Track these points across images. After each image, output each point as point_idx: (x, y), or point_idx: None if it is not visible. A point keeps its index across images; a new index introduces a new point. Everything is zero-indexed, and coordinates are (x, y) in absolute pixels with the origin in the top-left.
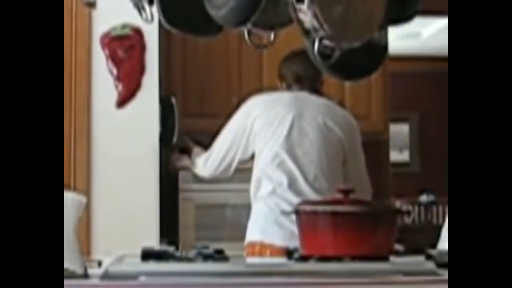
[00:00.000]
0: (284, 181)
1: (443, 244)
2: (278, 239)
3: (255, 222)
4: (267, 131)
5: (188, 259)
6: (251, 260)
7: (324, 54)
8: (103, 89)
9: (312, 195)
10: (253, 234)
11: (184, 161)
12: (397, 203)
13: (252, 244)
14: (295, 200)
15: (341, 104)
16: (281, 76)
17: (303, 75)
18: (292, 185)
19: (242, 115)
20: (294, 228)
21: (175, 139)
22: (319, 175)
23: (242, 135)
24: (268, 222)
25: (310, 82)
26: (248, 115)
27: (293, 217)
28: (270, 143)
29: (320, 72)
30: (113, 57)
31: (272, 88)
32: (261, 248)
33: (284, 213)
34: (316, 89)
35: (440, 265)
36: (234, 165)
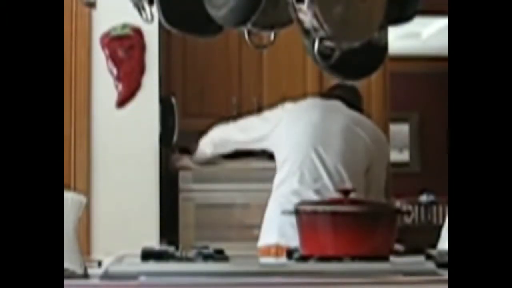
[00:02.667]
0: (309, 179)
1: (443, 244)
2: (294, 241)
3: (271, 223)
4: (293, 133)
5: (188, 259)
6: (251, 260)
7: (324, 54)
8: (103, 89)
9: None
10: (270, 236)
11: (184, 161)
12: (397, 203)
13: (268, 247)
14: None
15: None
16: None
17: (344, 97)
18: (315, 184)
19: (270, 117)
20: None
21: (175, 139)
22: (344, 177)
23: (264, 129)
24: (285, 223)
25: (351, 102)
26: (277, 121)
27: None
28: (297, 142)
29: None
30: (113, 57)
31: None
32: (277, 251)
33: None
34: (356, 107)
35: (440, 265)
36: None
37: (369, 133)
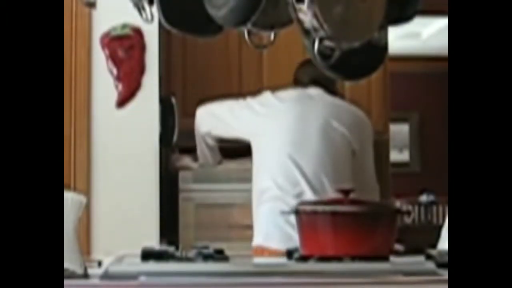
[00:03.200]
0: (287, 186)
1: (443, 244)
2: (276, 242)
3: (258, 226)
4: (269, 135)
5: (188, 259)
6: (251, 260)
7: (324, 54)
8: (103, 89)
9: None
10: (257, 238)
11: (184, 161)
12: (397, 203)
13: (255, 249)
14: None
15: (356, 103)
16: (297, 80)
17: (318, 78)
18: (295, 189)
19: (258, 110)
20: (292, 231)
21: (175, 139)
22: (323, 179)
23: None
24: (269, 226)
25: (326, 83)
26: (256, 113)
27: (292, 219)
28: (272, 147)
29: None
30: (113, 57)
31: (273, 89)
32: (261, 251)
33: (284, 213)
34: (331, 90)
35: (440, 265)
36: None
37: (348, 122)
